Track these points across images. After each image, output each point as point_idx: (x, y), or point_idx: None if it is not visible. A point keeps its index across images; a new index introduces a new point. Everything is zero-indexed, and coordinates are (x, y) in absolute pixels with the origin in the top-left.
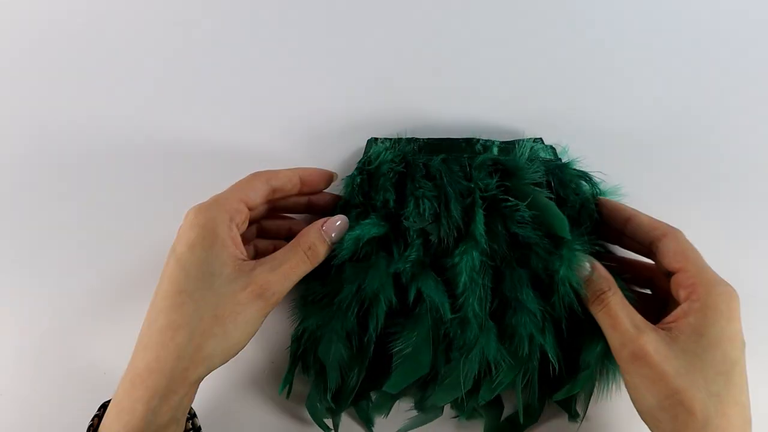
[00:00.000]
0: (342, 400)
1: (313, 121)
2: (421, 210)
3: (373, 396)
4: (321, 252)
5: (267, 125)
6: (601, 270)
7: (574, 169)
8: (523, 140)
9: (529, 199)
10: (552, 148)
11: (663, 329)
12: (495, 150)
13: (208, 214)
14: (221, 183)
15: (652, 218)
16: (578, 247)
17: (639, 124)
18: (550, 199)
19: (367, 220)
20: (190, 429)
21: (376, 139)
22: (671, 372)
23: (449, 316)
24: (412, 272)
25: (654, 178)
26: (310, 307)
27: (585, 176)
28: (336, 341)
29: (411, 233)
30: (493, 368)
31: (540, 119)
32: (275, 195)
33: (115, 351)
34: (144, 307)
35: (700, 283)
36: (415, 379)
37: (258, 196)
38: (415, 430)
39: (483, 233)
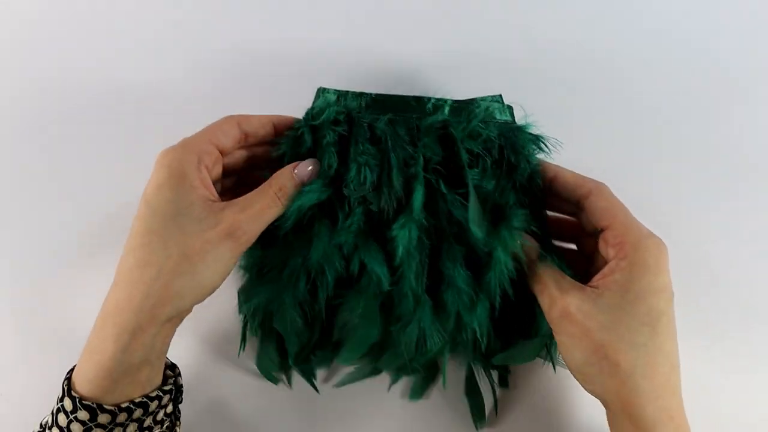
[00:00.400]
0: (295, 360)
1: (264, 66)
2: (362, 178)
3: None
4: (290, 192)
5: (215, 69)
6: (530, 239)
7: (529, 133)
8: (479, 99)
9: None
10: (510, 108)
11: (590, 288)
12: (446, 110)
13: (175, 155)
14: (172, 129)
15: (577, 175)
16: (517, 224)
17: (604, 91)
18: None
19: (310, 186)
20: (171, 385)
21: (326, 89)
22: (595, 327)
23: (387, 287)
24: (354, 243)
25: (613, 142)
26: (257, 283)
27: (539, 140)
28: (290, 312)
29: (352, 201)
30: (427, 340)
31: (504, 75)
32: (249, 140)
33: None
34: None
35: (626, 240)
36: (366, 350)
37: (229, 139)
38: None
39: (421, 209)
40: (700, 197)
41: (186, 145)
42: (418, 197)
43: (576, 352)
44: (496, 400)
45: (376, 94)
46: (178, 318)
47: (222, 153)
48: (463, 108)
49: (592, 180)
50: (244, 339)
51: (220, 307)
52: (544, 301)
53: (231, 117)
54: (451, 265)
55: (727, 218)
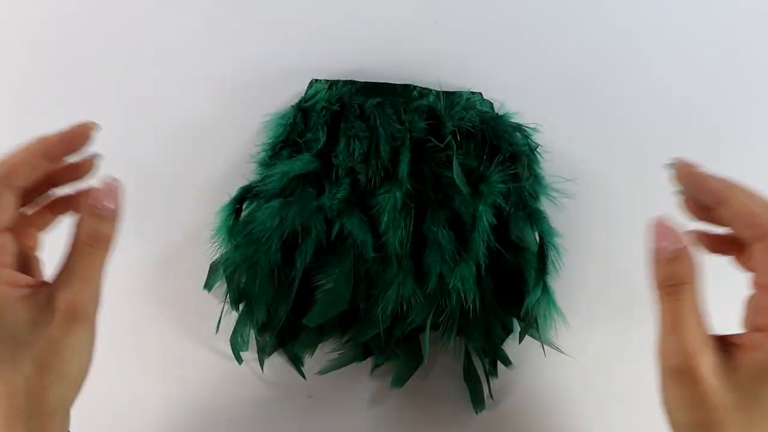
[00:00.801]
0: (269, 334)
1: (258, 64)
2: (351, 149)
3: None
4: (107, 232)
5: (204, 70)
6: (688, 256)
7: (510, 121)
8: (461, 92)
9: (447, 139)
10: (490, 102)
11: (736, 343)
12: (431, 98)
13: None
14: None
15: (748, 208)
16: (496, 177)
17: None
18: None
19: (297, 156)
20: None
21: (318, 79)
22: (718, 404)
23: (371, 254)
24: (338, 209)
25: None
26: (234, 241)
27: (519, 128)
28: (261, 275)
29: (340, 172)
30: (405, 306)
31: (485, 76)
32: (30, 193)
33: None
34: None
35: None
36: (335, 314)
37: (11, 211)
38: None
39: (407, 174)
40: None
41: None
42: (405, 160)
43: (681, 414)
44: (489, 386)
45: (365, 82)
46: (69, 411)
47: (11, 227)
48: (447, 97)
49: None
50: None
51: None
52: (667, 340)
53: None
54: (435, 229)
55: None
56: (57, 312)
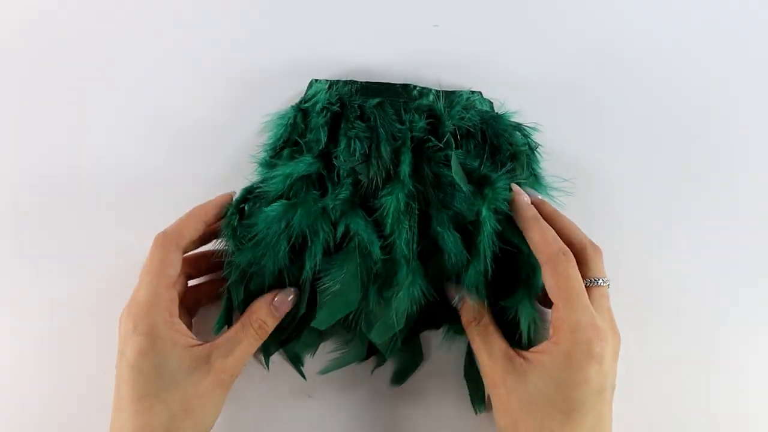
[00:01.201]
0: (275, 337)
1: (258, 64)
2: (352, 150)
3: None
4: (271, 326)
5: (204, 70)
6: (466, 305)
7: (510, 120)
8: (461, 91)
9: (446, 138)
10: (490, 102)
11: (520, 359)
12: (431, 97)
13: (147, 320)
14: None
15: (543, 237)
16: (502, 183)
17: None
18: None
19: (299, 158)
20: None
21: (317, 79)
22: (515, 404)
23: (379, 256)
24: (341, 210)
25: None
26: (239, 243)
27: (519, 127)
28: (269, 278)
29: (342, 173)
30: (416, 307)
31: (485, 76)
32: (200, 265)
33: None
34: None
35: (563, 326)
36: (343, 316)
37: (178, 267)
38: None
39: (408, 174)
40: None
41: (151, 305)
42: (406, 161)
43: (499, 418)
44: None
45: (365, 81)
46: None
47: (178, 286)
48: (447, 97)
49: (556, 247)
50: (226, 315)
51: None
52: (480, 364)
53: (168, 244)
54: (440, 230)
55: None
56: (212, 371)
